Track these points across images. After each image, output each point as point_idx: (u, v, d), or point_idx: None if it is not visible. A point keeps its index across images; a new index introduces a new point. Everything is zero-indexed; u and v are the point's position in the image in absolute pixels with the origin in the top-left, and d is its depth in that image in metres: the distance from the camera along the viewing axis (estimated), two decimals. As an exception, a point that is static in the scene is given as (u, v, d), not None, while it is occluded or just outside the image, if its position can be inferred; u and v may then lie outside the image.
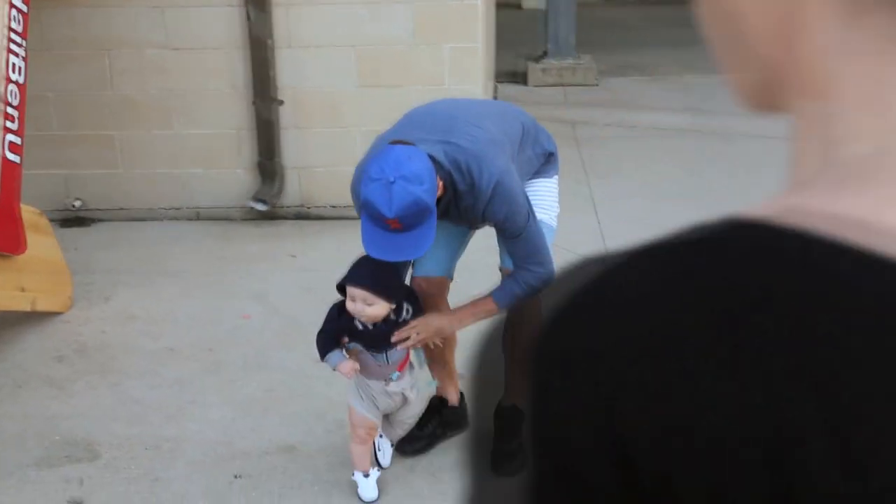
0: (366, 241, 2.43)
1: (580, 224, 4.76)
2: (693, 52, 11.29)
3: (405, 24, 5.06)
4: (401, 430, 2.88)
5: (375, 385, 2.70)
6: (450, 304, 2.96)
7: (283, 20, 5.08)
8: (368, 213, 2.38)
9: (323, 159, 5.31)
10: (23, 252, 3.73)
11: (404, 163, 2.33)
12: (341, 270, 4.46)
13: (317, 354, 3.56)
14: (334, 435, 3.11)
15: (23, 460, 3.02)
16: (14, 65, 3.68)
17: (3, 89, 3.62)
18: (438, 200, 2.46)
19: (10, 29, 3.67)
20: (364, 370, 2.70)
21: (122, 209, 5.43)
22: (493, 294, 2.71)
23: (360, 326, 2.62)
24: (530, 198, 2.75)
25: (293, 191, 5.38)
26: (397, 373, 2.69)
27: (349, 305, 2.56)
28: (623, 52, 11.43)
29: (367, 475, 2.79)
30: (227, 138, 5.30)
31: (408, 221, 2.34)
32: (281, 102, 5.20)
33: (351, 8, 5.07)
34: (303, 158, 5.32)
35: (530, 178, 2.84)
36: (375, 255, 2.44)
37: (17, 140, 3.70)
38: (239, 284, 4.41)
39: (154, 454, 3.04)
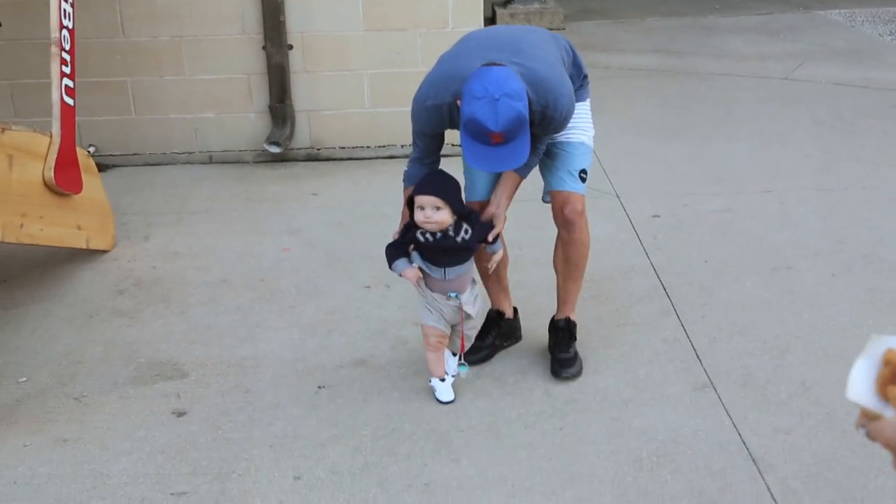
0: (469, 155, 2.62)
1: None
2: (652, -4, 11.65)
3: (410, -32, 5.27)
4: (462, 342, 3.16)
5: (440, 297, 2.98)
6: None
7: (292, -33, 5.24)
8: (472, 129, 2.55)
9: (332, 102, 5.53)
10: (80, 192, 3.92)
11: (505, 82, 2.54)
12: (363, 206, 4.77)
13: (365, 281, 3.87)
14: (398, 350, 3.41)
15: (117, 379, 3.26)
16: (65, 10, 3.83)
17: (57, 35, 3.77)
18: None
19: (60, -24, 3.81)
20: (428, 282, 2.98)
21: (136, 154, 5.59)
22: (518, 170, 2.96)
23: (422, 238, 2.87)
24: (573, 120, 3.04)
25: (303, 133, 5.59)
26: (454, 292, 2.96)
27: (417, 215, 2.83)
28: (585, -4, 11.69)
29: (443, 379, 3.10)
30: (238, 83, 5.48)
31: (510, 135, 2.54)
32: (290, 47, 5.38)
33: (357, -46, 5.25)
34: (312, 102, 5.52)
35: None
36: (480, 167, 2.66)
37: (71, 84, 3.87)
38: (270, 221, 4.65)
39: (238, 370, 3.30)
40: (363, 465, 2.78)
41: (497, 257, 3.03)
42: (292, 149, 5.58)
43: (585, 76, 3.16)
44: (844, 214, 4.50)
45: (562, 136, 3.07)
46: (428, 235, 2.86)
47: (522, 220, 3.88)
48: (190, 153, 5.60)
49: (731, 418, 2.93)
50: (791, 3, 10.86)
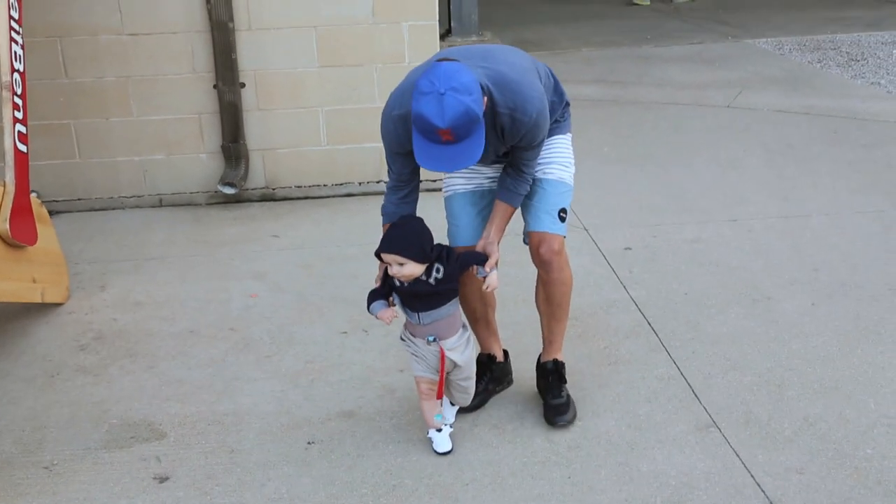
0: (419, 155, 2.48)
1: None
2: (585, 28, 11.79)
3: (364, 3, 5.18)
4: (458, 393, 3.03)
5: (420, 343, 2.86)
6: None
7: (243, 2, 5.10)
8: (420, 126, 2.43)
9: (287, 140, 5.38)
10: (35, 243, 3.70)
11: (453, 75, 2.41)
12: (328, 247, 4.62)
13: (341, 326, 3.73)
14: (387, 399, 3.27)
15: (88, 444, 3.04)
16: (16, 53, 3.63)
17: (9, 79, 3.57)
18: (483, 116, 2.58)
19: (10, 17, 3.61)
20: (409, 327, 2.88)
21: (81, 199, 5.35)
22: (507, 200, 2.88)
23: (398, 283, 2.79)
24: (552, 154, 2.98)
25: (258, 173, 5.43)
26: (432, 336, 2.84)
27: (389, 270, 2.74)
28: (521, 29, 11.78)
29: (439, 430, 2.96)
30: (189, 123, 5.29)
31: (459, 132, 2.41)
32: (243, 85, 5.23)
33: (309, -11, 5.14)
34: (266, 140, 5.37)
35: (551, 131, 2.95)
36: (430, 167, 2.50)
37: (24, 129, 3.66)
38: (233, 265, 4.46)
39: (220, 428, 3.12)
40: (367, 527, 2.62)
41: (491, 281, 2.83)
42: (247, 189, 5.41)
43: (567, 104, 3.05)
44: (813, 242, 4.52)
45: (539, 173, 2.98)
46: (404, 282, 2.76)
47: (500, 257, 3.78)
48: (139, 196, 5.38)
49: (740, 459, 2.86)
50: (719, 33, 11.09)
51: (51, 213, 5.09)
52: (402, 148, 2.69)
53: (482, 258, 2.84)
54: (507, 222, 2.94)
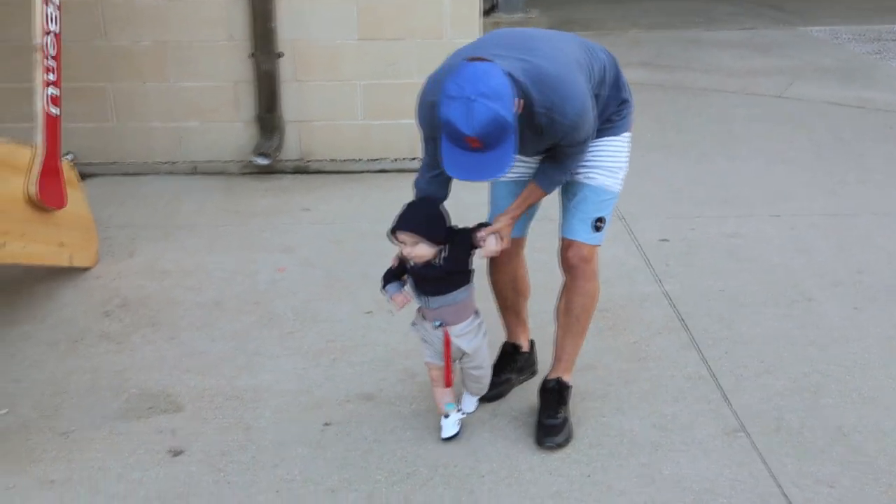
0: (446, 162, 2.36)
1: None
2: (634, 9, 11.58)
3: (407, -24, 5.08)
4: (471, 382, 2.94)
5: (428, 326, 2.80)
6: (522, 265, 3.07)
7: (285, -29, 5.03)
8: (447, 132, 2.31)
9: (322, 113, 5.32)
10: (64, 206, 3.67)
11: (482, 79, 2.27)
12: (360, 223, 4.55)
13: (366, 305, 3.67)
14: (407, 383, 3.20)
15: (106, 412, 3.02)
16: (50, 14, 3.58)
17: (41, 40, 3.53)
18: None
19: (46, -23, 3.56)
20: (420, 310, 2.81)
21: (115, 163, 5.34)
22: (540, 183, 2.73)
23: (409, 265, 2.73)
24: (598, 157, 2.79)
25: (292, 145, 5.37)
26: (438, 321, 2.76)
27: (401, 249, 2.67)
28: (569, 8, 11.60)
29: (446, 416, 2.90)
30: (225, 91, 5.25)
31: (488, 140, 2.27)
32: (281, 55, 5.16)
33: (353, -40, 5.05)
34: (302, 112, 5.31)
35: (601, 131, 2.77)
36: (457, 175, 2.38)
37: (57, 92, 3.62)
38: (263, 238, 4.42)
39: (238, 403, 3.08)
40: (379, 515, 2.57)
41: (487, 245, 2.68)
42: (280, 160, 5.35)
43: (625, 101, 2.79)
44: (859, 241, 4.37)
45: (582, 176, 2.80)
46: (413, 262, 2.70)
47: (529, 243, 3.69)
48: (173, 163, 5.35)
49: (767, 467, 2.76)
50: (773, 19, 10.82)
51: (84, 176, 5.08)
52: (433, 134, 2.60)
53: (484, 226, 2.73)
54: (531, 203, 2.78)
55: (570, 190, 2.83)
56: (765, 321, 3.63)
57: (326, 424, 2.98)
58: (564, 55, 2.55)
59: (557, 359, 3.02)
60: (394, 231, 2.69)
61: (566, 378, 3.01)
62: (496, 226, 2.73)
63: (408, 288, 2.80)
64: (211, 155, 5.35)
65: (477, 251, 2.73)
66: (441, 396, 2.90)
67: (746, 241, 4.40)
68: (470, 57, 2.39)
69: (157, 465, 2.77)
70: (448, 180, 2.75)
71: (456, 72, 2.33)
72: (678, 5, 11.85)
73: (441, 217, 2.69)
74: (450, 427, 2.90)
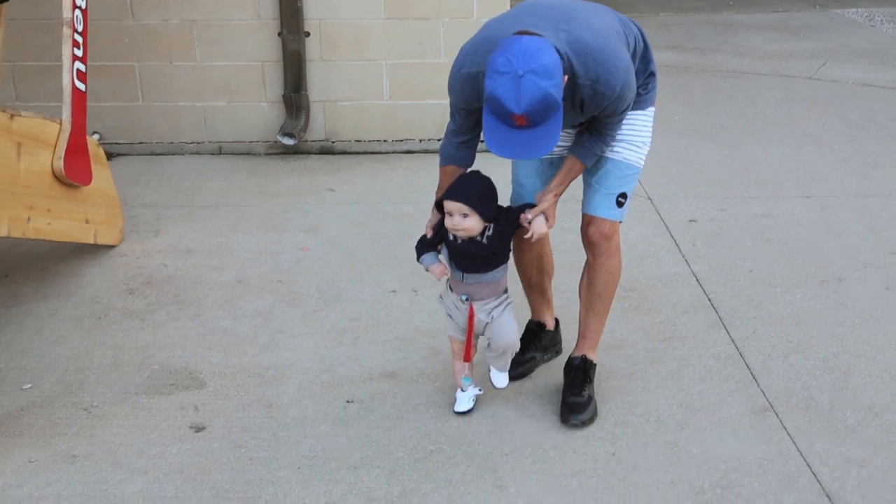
0: (489, 138, 2.31)
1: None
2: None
3: (434, -45, 5.03)
4: (496, 359, 2.87)
5: (454, 297, 2.75)
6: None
7: (311, -50, 5.00)
8: (494, 108, 2.25)
9: (349, 93, 5.29)
10: (90, 183, 3.68)
11: (534, 55, 2.21)
12: (384, 204, 4.53)
13: (390, 285, 3.65)
14: (431, 361, 3.18)
15: (129, 388, 3.02)
16: (77, -10, 3.57)
17: (70, 15, 3.52)
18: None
19: (72, -47, 3.56)
20: (451, 282, 2.76)
21: (141, 143, 5.34)
22: (579, 155, 2.67)
23: (451, 238, 2.66)
24: (622, 131, 2.72)
25: (318, 125, 5.35)
26: (466, 296, 2.71)
27: (446, 221, 2.61)
28: (598, -11, 11.47)
29: (464, 389, 2.88)
30: (252, 70, 5.23)
31: (535, 118, 2.22)
32: (308, 34, 5.14)
33: (379, -62, 5.01)
34: (328, 92, 5.28)
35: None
36: (499, 152, 2.32)
37: (83, 68, 3.62)
38: (286, 217, 4.41)
39: (260, 381, 3.07)
40: (401, 492, 2.55)
41: (536, 227, 2.63)
42: (306, 141, 5.34)
43: (652, 74, 2.73)
44: (891, 223, 4.29)
45: (609, 152, 2.76)
46: (457, 237, 2.63)
47: (557, 223, 3.65)
48: (199, 143, 5.35)
49: (796, 446, 2.71)
50: (807, 2, 10.65)
51: (110, 155, 5.11)
52: (468, 105, 2.55)
53: (530, 206, 2.69)
54: (573, 178, 2.71)
55: (593, 165, 2.78)
56: (794, 301, 3.57)
57: (349, 402, 2.96)
58: (605, 25, 2.50)
59: (582, 336, 2.98)
60: (443, 199, 2.60)
61: (591, 356, 2.97)
62: (542, 205, 2.66)
63: (443, 258, 2.74)
64: (237, 135, 5.34)
65: (524, 232, 2.66)
66: (460, 370, 2.87)
67: (776, 222, 4.33)
68: (519, 31, 2.32)
69: (179, 440, 2.76)
70: (474, 147, 2.72)
71: (506, 46, 2.26)
72: (709, -12, 11.68)
73: (494, 193, 2.63)
74: (464, 402, 2.87)
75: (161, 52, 5.17)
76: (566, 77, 2.34)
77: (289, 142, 5.13)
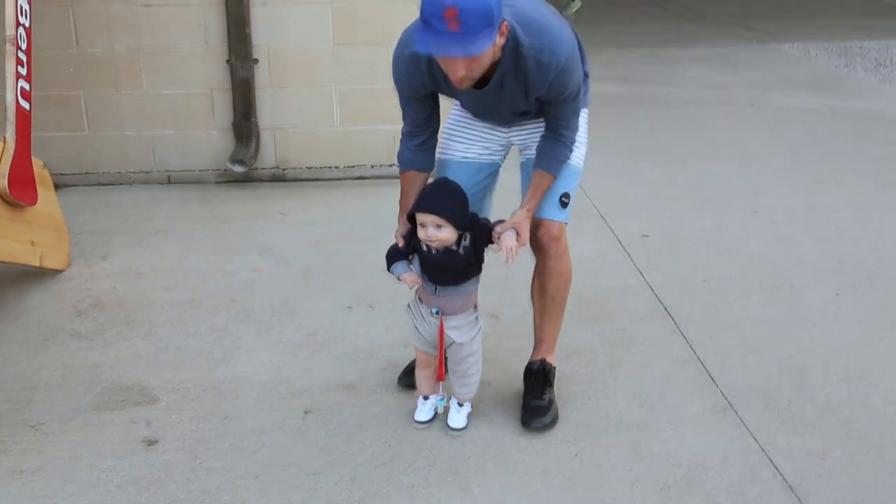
0: (416, 40, 2.22)
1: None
2: (606, 31, 11.66)
3: (382, -19, 5.06)
4: (458, 381, 2.78)
5: (424, 311, 2.69)
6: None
7: (259, -23, 5.01)
8: (427, 7, 2.17)
9: (299, 119, 5.27)
10: (35, 203, 3.60)
11: None
12: (338, 225, 4.50)
13: (346, 301, 3.61)
14: (390, 373, 3.13)
15: (78, 405, 2.93)
16: (21, 7, 3.53)
17: (13, 32, 3.47)
18: (496, 64, 2.38)
19: (17, -29, 3.52)
20: (421, 293, 2.71)
21: (88, 173, 5.25)
22: (545, 167, 2.64)
23: (424, 249, 2.60)
24: None
25: (268, 152, 5.32)
26: (436, 309, 2.67)
27: (420, 232, 2.55)
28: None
29: (425, 398, 2.83)
30: (200, 98, 5.19)
31: (467, 19, 2.14)
32: (256, 61, 5.13)
33: (327, -35, 5.04)
34: (278, 119, 5.26)
35: None
36: (422, 49, 2.22)
37: (27, 86, 3.56)
38: (239, 240, 4.35)
39: (215, 394, 3.00)
40: (362, 497, 2.49)
41: (506, 242, 2.55)
42: (256, 168, 5.30)
43: (586, 75, 2.69)
44: (838, 234, 4.36)
45: (570, 155, 2.73)
46: (432, 249, 2.59)
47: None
48: (147, 172, 5.28)
49: (757, 442, 2.72)
50: (744, 38, 10.93)
51: (57, 186, 4.97)
52: (414, 91, 2.55)
53: (501, 222, 2.64)
54: (543, 192, 2.68)
55: (531, 168, 2.77)
56: (748, 307, 3.60)
57: (307, 412, 2.90)
58: (547, 10, 2.52)
59: (539, 340, 2.96)
60: (415, 210, 2.55)
61: (550, 359, 2.95)
62: (512, 219, 2.61)
63: (416, 267, 2.67)
64: (186, 164, 5.28)
65: (492, 247, 2.61)
66: (423, 379, 2.83)
67: (727, 234, 4.38)
68: None
69: (132, 453, 2.68)
70: (432, 150, 2.70)
71: None
72: (651, 27, 11.96)
73: (466, 201, 2.58)
74: (424, 411, 2.82)
75: (107, 80, 5.11)
76: (506, 25, 2.30)
77: (239, 169, 5.08)
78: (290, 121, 5.27)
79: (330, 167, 5.35)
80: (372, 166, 5.34)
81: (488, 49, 2.26)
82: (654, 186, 5.15)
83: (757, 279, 3.86)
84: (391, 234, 2.69)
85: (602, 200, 4.83)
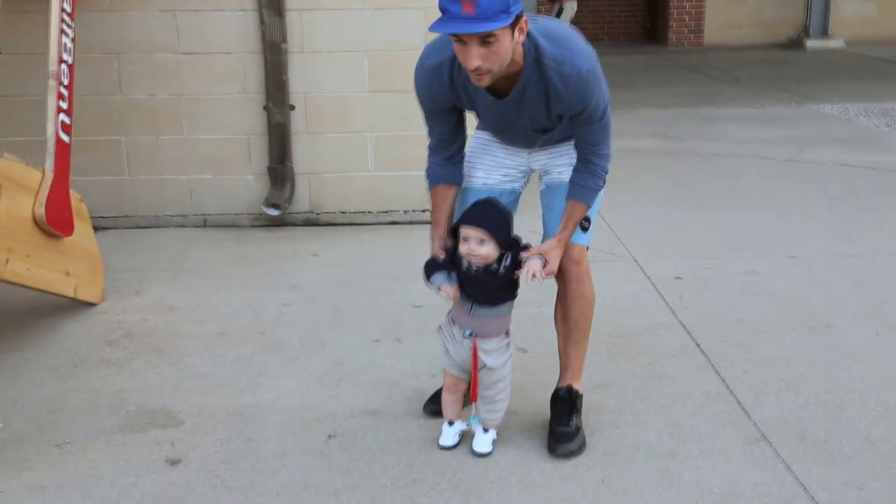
0: (434, 25, 2.27)
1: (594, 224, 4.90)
2: (644, 92, 11.73)
3: (417, 28, 5.14)
4: (485, 407, 2.76)
5: (457, 331, 2.68)
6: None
7: (297, 24, 5.12)
8: (442, 1, 2.25)
9: (333, 165, 5.33)
10: (71, 234, 3.65)
11: None
12: (368, 265, 4.51)
13: (373, 335, 3.59)
14: (415, 401, 3.10)
15: (103, 427, 2.92)
16: (66, 45, 3.63)
17: (56, 68, 3.57)
18: (518, 75, 2.42)
19: (62, 9, 3.63)
20: (455, 312, 2.70)
21: (127, 216, 5.33)
22: (577, 198, 2.65)
23: (464, 265, 2.59)
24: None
25: (303, 197, 5.37)
26: (470, 330, 2.65)
27: (461, 247, 2.56)
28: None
29: (450, 423, 2.79)
30: (238, 143, 5.28)
31: (484, 4, 2.20)
32: (293, 107, 5.21)
33: (363, 13, 5.14)
34: (313, 164, 5.32)
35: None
36: (438, 29, 2.27)
37: (68, 120, 3.64)
38: (270, 278, 4.37)
39: (239, 419, 2.98)
40: (383, 518, 2.44)
41: (531, 265, 2.55)
42: (291, 213, 5.34)
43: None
44: (878, 278, 4.28)
45: (565, 175, 2.72)
46: (472, 266, 2.58)
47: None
48: (184, 216, 5.35)
49: (792, 472, 2.63)
50: (781, 99, 10.92)
51: (96, 229, 5.06)
52: (437, 105, 2.57)
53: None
54: (576, 223, 2.68)
55: (553, 191, 2.77)
56: (784, 346, 3.53)
57: (330, 436, 2.87)
58: (570, 29, 2.55)
59: (564, 367, 2.91)
60: (459, 224, 2.56)
61: (576, 385, 2.90)
62: (542, 247, 2.63)
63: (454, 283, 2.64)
64: (222, 207, 5.35)
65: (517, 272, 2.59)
66: (450, 404, 2.79)
67: (762, 278, 4.32)
68: None
69: (154, 472, 2.67)
70: (461, 164, 2.72)
71: None
72: (687, 89, 11.99)
73: (511, 220, 2.61)
74: (449, 436, 2.78)
75: (148, 126, 5.22)
76: (525, 21, 2.34)
77: (274, 212, 5.14)
78: (324, 166, 5.32)
79: (363, 212, 5.39)
80: (405, 212, 5.36)
81: (504, 36, 2.29)
82: (688, 233, 5.10)
83: (793, 320, 3.79)
84: (422, 274, 2.68)
85: (635, 244, 4.79)
